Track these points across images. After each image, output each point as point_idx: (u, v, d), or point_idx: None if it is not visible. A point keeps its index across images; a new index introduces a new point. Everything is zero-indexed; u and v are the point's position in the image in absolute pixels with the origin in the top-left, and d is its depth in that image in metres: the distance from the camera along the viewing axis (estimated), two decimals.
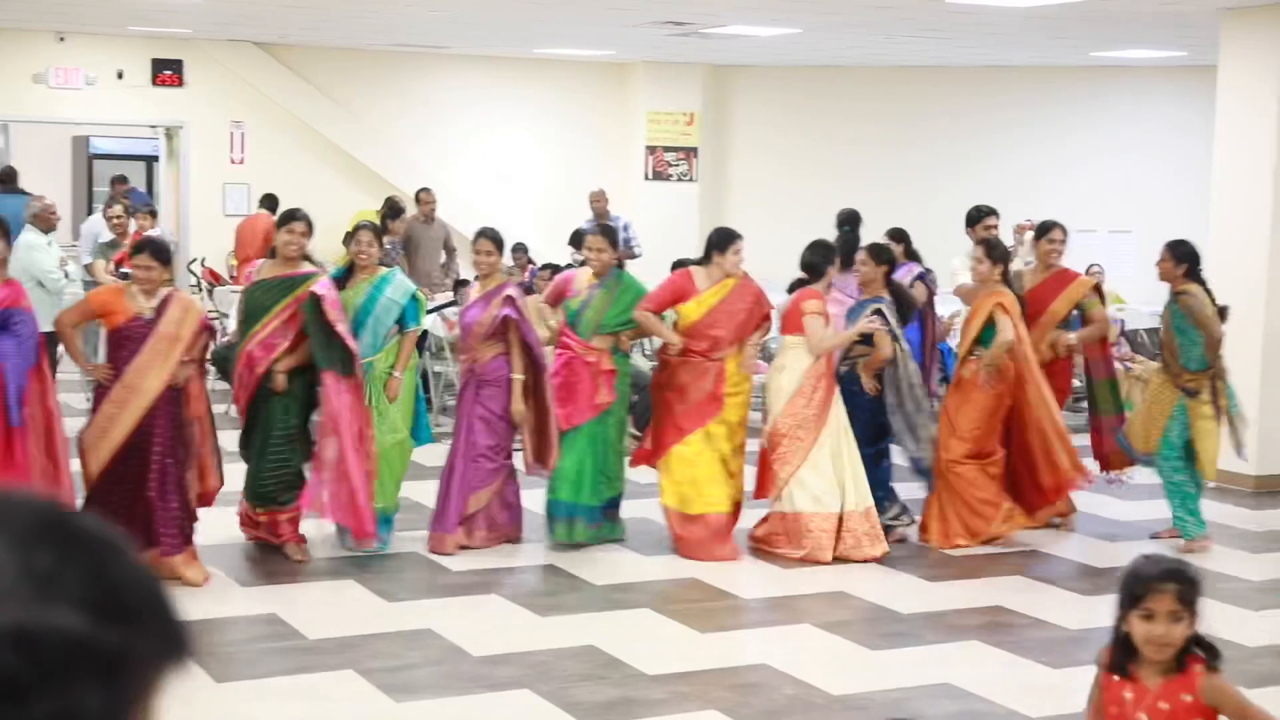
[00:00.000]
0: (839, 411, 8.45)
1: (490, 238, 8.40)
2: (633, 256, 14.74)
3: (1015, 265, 9.51)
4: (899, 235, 11.50)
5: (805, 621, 7.29)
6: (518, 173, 17.79)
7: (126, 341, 7.39)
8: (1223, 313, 8.68)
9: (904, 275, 10.85)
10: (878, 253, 8.86)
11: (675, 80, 17.91)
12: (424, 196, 14.71)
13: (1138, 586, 3.59)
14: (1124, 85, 17.19)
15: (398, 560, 8.15)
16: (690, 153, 18.15)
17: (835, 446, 8.38)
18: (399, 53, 17.07)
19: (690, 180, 18.18)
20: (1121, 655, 3.64)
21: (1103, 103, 17.43)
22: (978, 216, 10.04)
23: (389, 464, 8.14)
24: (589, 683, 6.38)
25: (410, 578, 7.89)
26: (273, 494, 7.98)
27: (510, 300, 8.21)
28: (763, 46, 15.50)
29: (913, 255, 11.29)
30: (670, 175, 18.18)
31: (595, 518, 8.55)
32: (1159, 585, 3.56)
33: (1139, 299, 14.18)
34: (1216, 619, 4.37)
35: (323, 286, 7.84)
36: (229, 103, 16.51)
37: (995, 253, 8.78)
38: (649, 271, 9.38)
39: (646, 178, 18.14)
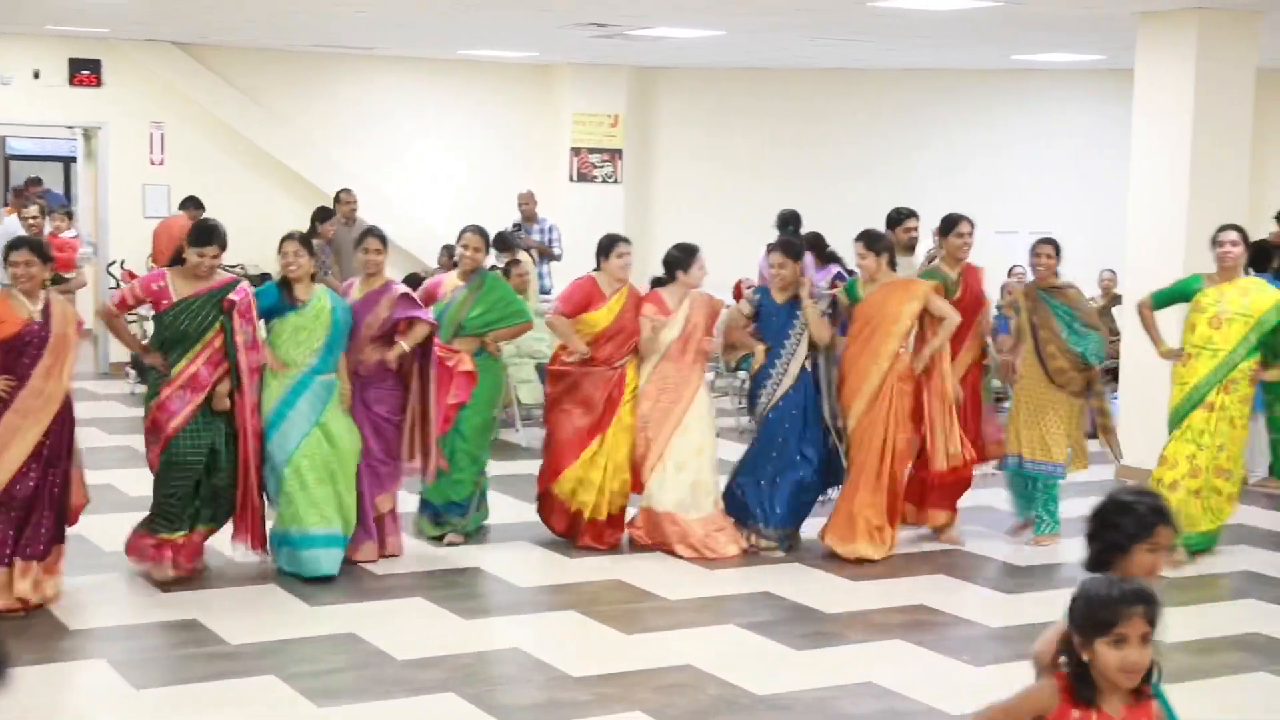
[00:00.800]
0: (694, 419, 8.47)
1: (378, 236, 8.29)
2: (554, 258, 14.74)
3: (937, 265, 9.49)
4: (814, 240, 11.55)
5: (730, 622, 7.31)
6: (443, 174, 17.72)
7: (26, 348, 7.02)
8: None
9: (823, 277, 10.90)
10: (791, 250, 8.79)
11: (600, 82, 17.92)
12: (344, 197, 14.62)
13: (1106, 613, 3.38)
14: (1044, 87, 17.38)
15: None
16: (615, 154, 18.16)
17: (682, 450, 8.43)
18: (322, 54, 16.95)
19: (615, 182, 18.20)
20: (1087, 686, 3.44)
21: (1024, 105, 17.61)
22: (898, 218, 10.07)
23: (349, 479, 7.93)
24: (514, 685, 6.37)
25: (333, 582, 7.81)
26: (210, 514, 7.74)
27: (410, 300, 8.16)
28: (687, 48, 15.53)
29: (831, 257, 11.36)
30: (595, 177, 18.18)
31: (452, 513, 8.65)
32: (1129, 609, 3.37)
33: None
34: None
35: (238, 294, 7.60)
36: (148, 104, 16.31)
37: (877, 245, 8.63)
38: (573, 273, 9.36)
39: (571, 179, 18.14)
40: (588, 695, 6.18)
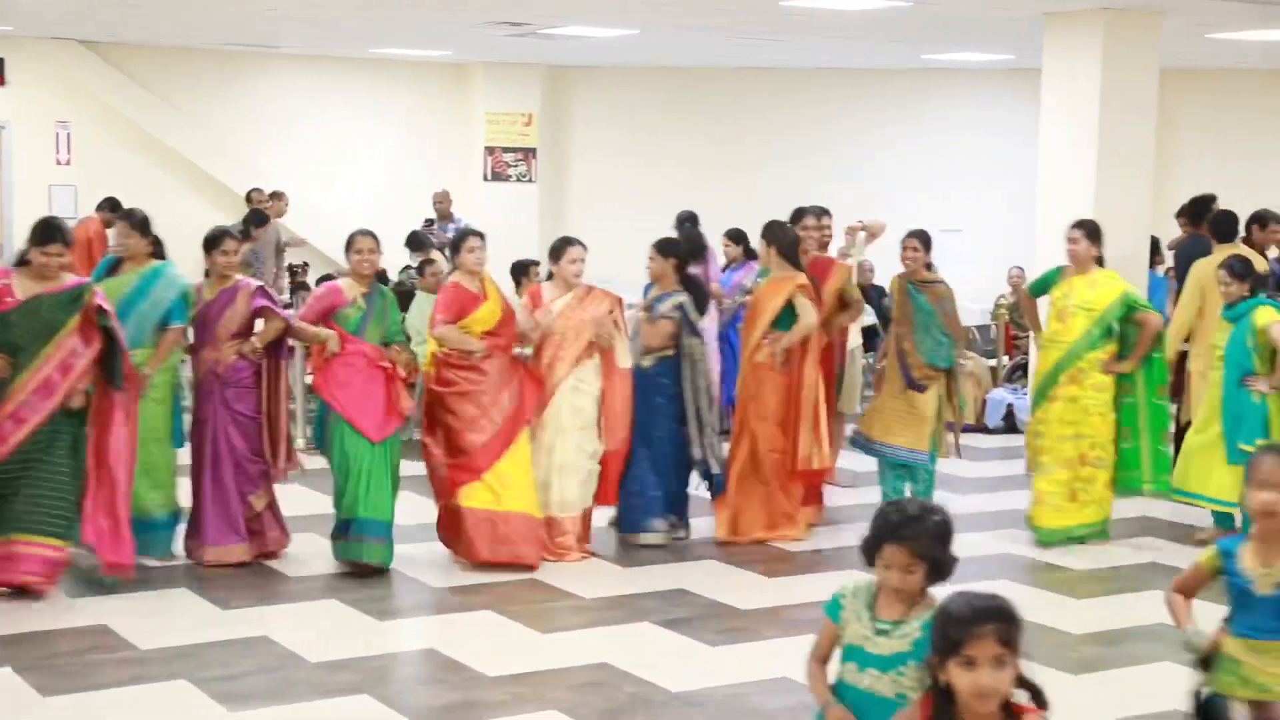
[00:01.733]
0: (547, 418, 8.29)
1: (235, 238, 8.30)
2: None
3: (850, 263, 9.55)
4: (737, 236, 11.62)
5: (645, 619, 7.32)
6: (356, 174, 17.62)
7: None
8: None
9: (745, 275, 10.95)
10: (664, 247, 8.73)
11: (513, 81, 17.90)
12: (255, 196, 14.51)
13: (954, 631, 3.16)
14: (955, 87, 17.57)
15: (230, 567, 7.99)
16: (529, 153, 18.15)
17: (538, 445, 8.29)
18: (231, 52, 16.80)
19: (529, 181, 18.19)
20: (944, 708, 3.21)
21: (935, 103, 17.79)
22: (799, 217, 10.08)
23: (153, 466, 7.82)
24: (428, 686, 6.35)
25: (244, 585, 7.74)
26: (43, 523, 7.25)
27: (263, 292, 8.19)
28: (601, 47, 15.54)
29: (752, 254, 11.40)
30: (509, 176, 18.16)
31: (382, 533, 8.06)
32: (977, 629, 3.14)
33: (969, 297, 14.48)
34: (1039, 608, 4.48)
35: (100, 297, 7.36)
36: (54, 102, 16.09)
37: (767, 234, 8.71)
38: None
39: (485, 178, 18.11)
40: (502, 695, 6.17)
